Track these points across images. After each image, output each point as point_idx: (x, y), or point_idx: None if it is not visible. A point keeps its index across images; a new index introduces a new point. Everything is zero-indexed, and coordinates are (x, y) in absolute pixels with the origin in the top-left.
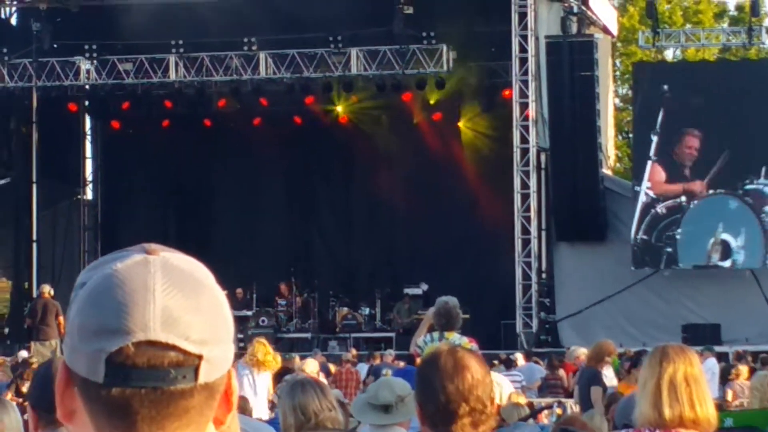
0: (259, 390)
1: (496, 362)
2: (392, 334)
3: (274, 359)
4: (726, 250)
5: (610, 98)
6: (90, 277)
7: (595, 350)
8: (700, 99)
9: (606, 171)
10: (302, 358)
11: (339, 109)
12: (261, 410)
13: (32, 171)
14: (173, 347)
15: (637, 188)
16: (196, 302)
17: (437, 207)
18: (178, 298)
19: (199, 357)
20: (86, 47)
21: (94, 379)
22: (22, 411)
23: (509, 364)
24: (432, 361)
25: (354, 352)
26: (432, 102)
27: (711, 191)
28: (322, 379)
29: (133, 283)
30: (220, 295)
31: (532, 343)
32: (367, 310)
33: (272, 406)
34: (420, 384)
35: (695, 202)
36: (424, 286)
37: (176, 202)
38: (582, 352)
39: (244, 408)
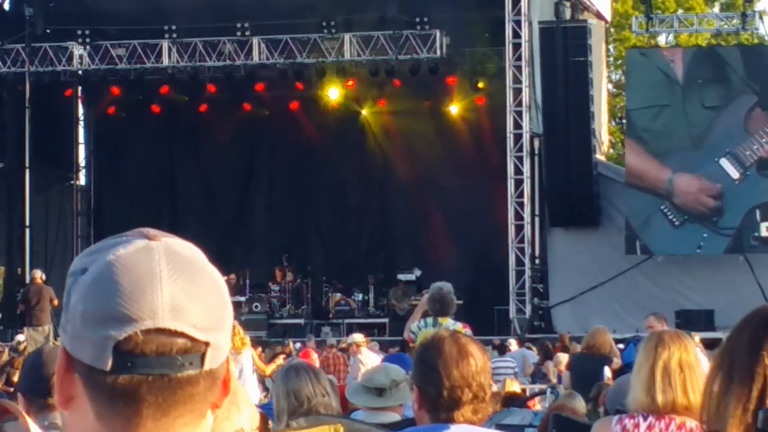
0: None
1: (488, 348)
2: (385, 320)
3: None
4: None
5: (603, 84)
6: (90, 262)
7: (592, 340)
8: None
9: (599, 157)
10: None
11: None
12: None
13: (25, 156)
14: (181, 334)
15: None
16: (200, 289)
17: (430, 192)
18: (185, 285)
19: (206, 344)
20: (79, 32)
21: (100, 367)
22: (11, 400)
23: (502, 350)
24: (435, 346)
25: None
26: (426, 87)
27: None
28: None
29: (138, 270)
30: (221, 281)
31: (525, 329)
32: (360, 296)
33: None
34: (421, 368)
35: None
36: (418, 272)
37: (169, 188)
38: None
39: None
